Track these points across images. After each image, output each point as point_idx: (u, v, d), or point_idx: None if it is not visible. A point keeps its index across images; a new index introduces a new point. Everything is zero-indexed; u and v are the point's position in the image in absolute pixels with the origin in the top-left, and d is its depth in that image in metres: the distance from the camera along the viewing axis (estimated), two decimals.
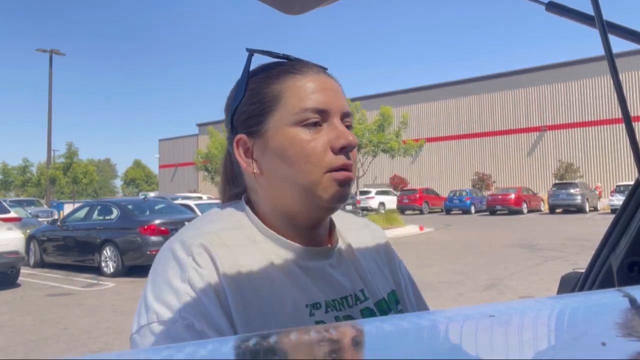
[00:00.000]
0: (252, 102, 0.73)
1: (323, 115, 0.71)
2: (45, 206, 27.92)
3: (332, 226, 0.80)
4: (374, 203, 29.28)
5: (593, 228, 16.07)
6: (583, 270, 1.16)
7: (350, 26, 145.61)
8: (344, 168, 0.71)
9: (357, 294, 0.75)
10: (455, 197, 28.51)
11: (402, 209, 29.00)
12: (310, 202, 0.71)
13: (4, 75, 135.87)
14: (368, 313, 0.74)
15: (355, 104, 24.00)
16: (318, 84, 0.73)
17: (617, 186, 24.66)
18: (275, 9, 1.03)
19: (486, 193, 31.27)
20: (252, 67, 0.76)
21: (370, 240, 0.86)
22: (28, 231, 11.83)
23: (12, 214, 12.81)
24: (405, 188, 34.43)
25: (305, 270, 0.72)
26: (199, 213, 11.59)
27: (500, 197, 26.24)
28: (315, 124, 0.71)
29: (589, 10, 0.87)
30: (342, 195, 0.71)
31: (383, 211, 25.92)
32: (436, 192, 32.22)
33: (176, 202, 13.31)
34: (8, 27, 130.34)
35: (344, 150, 0.71)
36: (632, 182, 1.07)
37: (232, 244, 0.69)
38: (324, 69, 0.77)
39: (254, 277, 0.67)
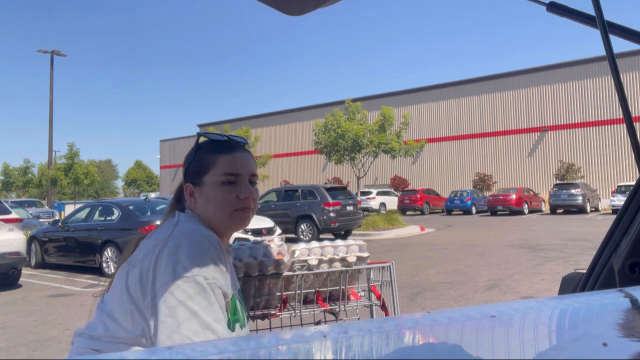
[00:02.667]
0: (197, 165, 1.24)
1: (236, 177, 1.22)
2: (46, 207, 27.95)
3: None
4: (375, 204, 29.28)
5: (594, 228, 16.05)
6: (584, 271, 1.16)
7: (351, 27, 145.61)
8: (244, 208, 1.22)
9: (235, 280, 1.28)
10: (456, 198, 28.50)
11: (403, 209, 29.00)
12: (223, 227, 1.22)
13: (5, 76, 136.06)
14: (240, 292, 1.28)
15: (356, 104, 23.99)
16: (234, 159, 1.23)
17: (618, 186, 24.63)
18: (276, 9, 1.03)
19: (487, 193, 31.26)
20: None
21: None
22: (29, 232, 11.84)
23: (14, 215, 12.86)
24: (406, 188, 34.42)
25: (228, 261, 1.20)
26: None
27: (501, 197, 26.23)
28: (231, 183, 1.21)
29: (590, 11, 0.87)
30: (244, 222, 1.23)
31: (384, 212, 25.91)
32: (437, 193, 32.21)
33: None
34: (9, 27, 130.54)
35: (246, 198, 1.22)
36: (633, 183, 1.07)
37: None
38: (242, 146, 1.28)
39: (227, 267, 1.15)
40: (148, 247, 1.11)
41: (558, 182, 28.33)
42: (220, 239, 1.18)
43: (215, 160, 1.22)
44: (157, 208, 10.69)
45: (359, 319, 2.82)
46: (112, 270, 9.22)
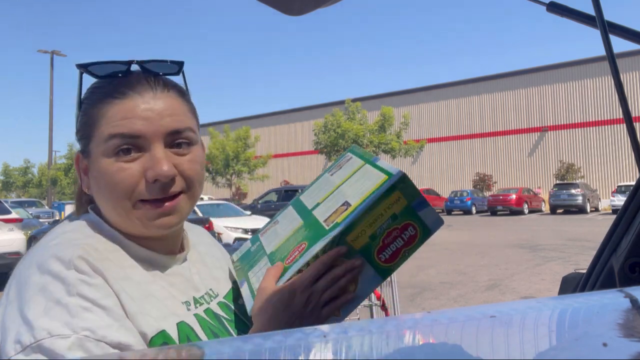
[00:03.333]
0: (81, 123, 0.74)
1: (137, 141, 0.69)
2: (46, 207, 27.97)
3: (184, 235, 0.85)
4: None
5: (594, 228, 16.06)
6: (584, 271, 1.16)
7: (350, 27, 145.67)
8: (158, 199, 0.70)
9: (209, 291, 0.82)
10: (456, 198, 28.50)
11: None
12: (128, 228, 0.72)
13: (5, 76, 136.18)
14: (223, 305, 0.82)
15: (356, 104, 24.01)
16: (132, 107, 0.70)
17: (618, 186, 24.64)
18: (276, 9, 1.03)
19: (487, 193, 31.26)
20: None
21: (211, 246, 0.96)
22: (29, 232, 11.85)
23: (14, 215, 12.86)
24: None
25: (170, 274, 0.77)
26: (199, 214, 11.61)
27: (501, 197, 26.23)
28: (128, 151, 0.69)
29: (590, 11, 0.87)
30: (159, 225, 0.71)
31: None
32: (437, 193, 32.22)
33: None
34: (9, 27, 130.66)
35: (157, 182, 0.69)
36: (633, 183, 1.07)
37: (105, 252, 0.68)
38: (155, 84, 0.73)
39: (136, 283, 0.69)
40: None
41: (558, 182, 28.34)
42: (141, 244, 0.74)
43: (101, 113, 0.71)
44: None
45: (359, 319, 2.82)
46: None
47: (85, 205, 0.79)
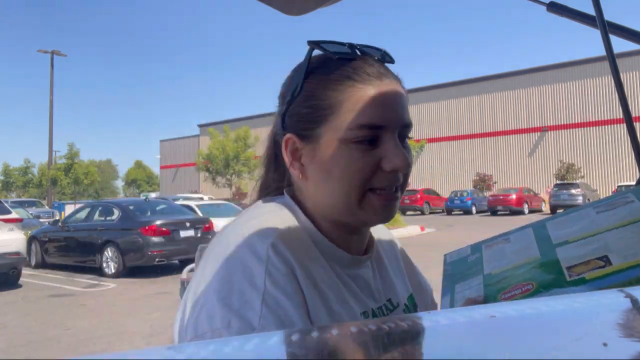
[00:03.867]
0: (307, 106, 0.69)
1: (379, 131, 0.67)
2: (46, 207, 27.97)
3: (371, 235, 0.79)
4: None
5: None
6: None
7: (351, 27, 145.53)
8: (390, 189, 0.69)
9: (387, 303, 0.76)
10: (456, 198, 28.50)
11: (403, 209, 28.98)
12: (350, 217, 0.69)
13: (5, 76, 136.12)
14: None
15: None
16: (378, 95, 0.67)
17: (618, 186, 24.64)
18: (276, 9, 1.03)
19: (487, 193, 31.26)
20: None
21: (391, 246, 0.88)
22: (29, 232, 11.85)
23: (14, 215, 12.86)
24: (406, 188, 34.36)
25: (354, 278, 0.72)
26: (200, 214, 11.60)
27: (501, 197, 26.23)
28: (370, 141, 0.67)
29: (590, 11, 0.87)
30: (384, 216, 0.69)
31: None
32: (437, 193, 32.21)
33: (177, 202, 13.33)
34: (9, 27, 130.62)
35: (393, 171, 0.68)
36: (633, 183, 1.07)
37: (297, 248, 0.66)
38: (386, 69, 0.71)
39: (322, 284, 0.66)
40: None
41: (558, 182, 28.33)
42: (339, 234, 0.71)
43: (342, 98, 0.67)
44: (157, 208, 10.69)
45: None
46: (113, 271, 9.08)
47: (274, 188, 0.77)
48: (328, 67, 0.69)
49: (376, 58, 0.71)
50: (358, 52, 0.70)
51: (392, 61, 0.73)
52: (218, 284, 0.62)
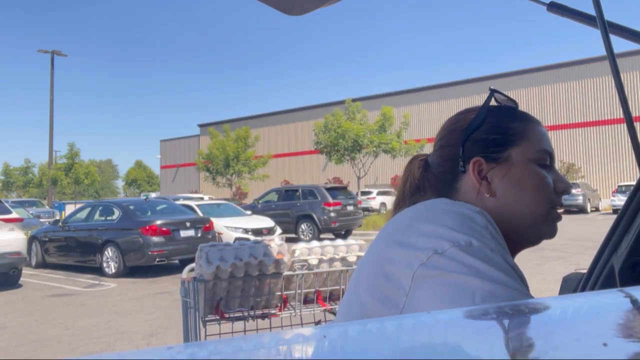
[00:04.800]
0: (495, 132, 0.82)
1: (550, 159, 0.83)
2: (47, 207, 27.98)
3: None
4: (375, 204, 29.27)
5: (595, 228, 16.04)
6: (585, 271, 1.16)
7: (351, 26, 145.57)
8: (560, 204, 0.82)
9: None
10: None
11: None
12: (528, 232, 0.80)
13: (6, 76, 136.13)
14: None
15: (357, 104, 23.99)
16: (546, 133, 0.85)
17: (618, 186, 24.62)
18: (276, 9, 1.03)
19: None
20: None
21: None
22: (30, 232, 11.85)
23: (14, 215, 12.86)
24: None
25: None
26: (200, 213, 11.60)
27: None
28: (545, 166, 0.81)
29: (590, 11, 0.87)
30: (554, 233, 0.82)
31: (384, 211, 25.91)
32: None
33: (177, 202, 13.33)
34: (9, 28, 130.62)
35: (564, 193, 0.82)
36: (633, 182, 1.07)
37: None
38: None
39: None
40: None
41: None
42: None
43: (527, 129, 0.83)
44: (157, 208, 10.70)
45: None
46: (113, 270, 9.10)
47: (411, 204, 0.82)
48: (510, 109, 0.87)
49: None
50: (516, 106, 0.89)
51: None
52: (447, 224, 0.68)
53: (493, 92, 0.86)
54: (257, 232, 11.71)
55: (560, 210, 0.82)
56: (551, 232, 0.81)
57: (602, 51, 0.78)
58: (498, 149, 0.81)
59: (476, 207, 0.73)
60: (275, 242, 2.43)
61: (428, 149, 33.98)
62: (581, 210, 24.81)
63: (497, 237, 0.69)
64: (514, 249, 0.79)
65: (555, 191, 0.80)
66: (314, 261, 2.49)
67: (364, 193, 28.84)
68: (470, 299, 0.60)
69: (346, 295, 0.78)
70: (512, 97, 0.88)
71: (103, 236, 9.72)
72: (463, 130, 0.84)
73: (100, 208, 10.77)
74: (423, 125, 38.98)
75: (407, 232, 0.69)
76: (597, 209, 26.68)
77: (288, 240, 3.05)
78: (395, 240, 0.70)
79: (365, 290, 0.71)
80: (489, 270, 0.62)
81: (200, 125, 52.10)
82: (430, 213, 0.71)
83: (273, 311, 2.49)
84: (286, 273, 2.43)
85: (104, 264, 9.53)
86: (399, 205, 0.87)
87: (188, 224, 9.79)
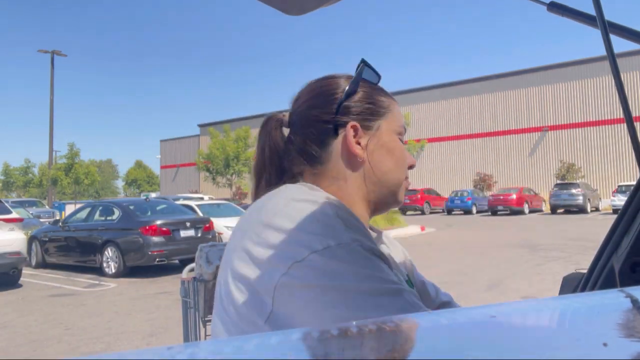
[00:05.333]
0: (369, 102, 0.85)
1: (403, 136, 0.89)
2: (47, 207, 27.98)
3: None
4: None
5: (595, 228, 16.05)
6: (585, 271, 1.16)
7: (351, 26, 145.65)
8: (408, 182, 0.90)
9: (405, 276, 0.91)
10: (456, 198, 28.49)
11: (403, 209, 29.00)
12: (391, 197, 0.86)
13: (6, 76, 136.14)
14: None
15: None
16: (401, 113, 0.91)
17: (618, 186, 24.62)
18: (276, 9, 1.03)
19: (488, 193, 31.25)
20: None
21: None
22: (30, 232, 11.85)
23: (14, 215, 12.87)
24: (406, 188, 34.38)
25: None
26: (200, 213, 11.60)
27: (501, 197, 26.22)
28: (401, 140, 0.88)
29: (590, 11, 0.87)
30: (403, 200, 0.89)
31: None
32: (437, 193, 32.21)
33: (177, 202, 13.33)
34: (9, 28, 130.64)
35: (411, 167, 0.89)
36: (633, 182, 1.07)
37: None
38: None
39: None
40: None
41: (558, 182, 28.32)
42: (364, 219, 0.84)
43: (391, 105, 0.88)
44: (158, 208, 10.70)
45: None
46: (113, 270, 9.15)
47: (273, 183, 0.82)
48: (376, 85, 0.89)
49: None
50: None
51: None
52: (304, 227, 0.66)
53: (364, 63, 0.88)
54: None
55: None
56: (402, 199, 0.88)
57: (602, 51, 0.78)
58: (371, 118, 0.84)
59: (323, 193, 0.73)
60: None
61: (428, 148, 34.21)
62: (581, 210, 24.82)
63: (350, 221, 0.67)
64: (380, 209, 0.86)
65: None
66: None
67: None
68: (343, 305, 0.60)
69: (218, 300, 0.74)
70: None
71: (103, 236, 9.72)
72: (333, 94, 0.85)
73: (100, 208, 10.77)
74: (423, 126, 38.97)
75: (263, 232, 0.67)
76: (597, 209, 26.68)
77: None
78: (253, 240, 0.68)
79: (227, 295, 0.69)
80: (354, 271, 0.62)
81: (200, 125, 52.09)
82: (286, 208, 0.69)
83: None
84: None
85: (104, 264, 9.53)
86: (260, 176, 0.86)
87: (188, 224, 9.79)
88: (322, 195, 0.72)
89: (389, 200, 0.85)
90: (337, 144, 0.82)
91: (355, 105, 0.83)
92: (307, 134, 0.83)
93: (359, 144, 0.82)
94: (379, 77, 0.90)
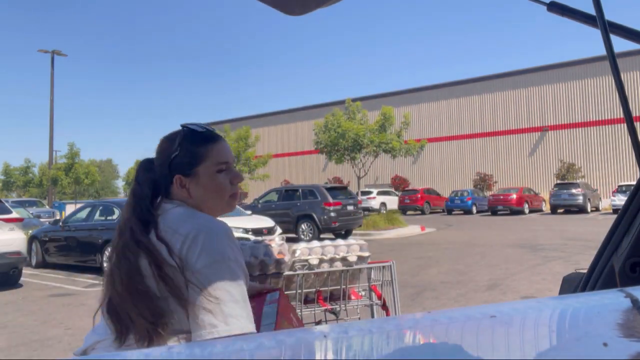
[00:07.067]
0: (187, 156, 1.26)
1: (227, 164, 1.29)
2: (47, 207, 27.97)
3: None
4: (375, 203, 29.28)
5: (595, 228, 16.04)
6: (585, 271, 1.16)
7: (351, 26, 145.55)
8: (235, 192, 1.32)
9: None
10: (456, 198, 28.48)
11: (403, 209, 29.00)
12: (219, 211, 1.30)
13: (6, 76, 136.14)
14: None
15: (357, 104, 23.97)
16: (223, 147, 1.30)
17: (619, 186, 24.62)
18: (276, 9, 1.03)
19: (488, 193, 31.24)
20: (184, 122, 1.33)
21: None
22: (30, 232, 11.85)
23: (14, 215, 12.86)
24: (406, 188, 34.42)
25: None
26: None
27: (501, 197, 26.21)
28: (222, 170, 1.28)
29: (591, 10, 0.87)
30: (234, 205, 1.34)
31: (384, 211, 25.90)
32: (437, 193, 32.21)
33: None
34: (9, 27, 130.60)
35: (236, 181, 1.31)
36: (633, 182, 1.07)
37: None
38: (219, 135, 1.33)
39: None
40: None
41: (559, 181, 28.31)
42: None
43: (207, 150, 1.27)
44: None
45: (359, 318, 2.82)
46: None
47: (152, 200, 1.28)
48: (195, 137, 1.28)
49: (215, 132, 1.33)
50: (210, 130, 1.32)
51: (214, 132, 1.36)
52: (225, 245, 1.18)
53: (184, 127, 1.30)
54: (258, 232, 11.71)
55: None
56: (231, 209, 1.32)
57: (602, 51, 0.78)
58: (190, 168, 1.25)
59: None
60: (276, 242, 2.43)
61: (428, 148, 34.08)
62: (581, 210, 24.82)
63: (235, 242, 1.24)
64: (219, 215, 1.29)
65: (231, 183, 1.28)
66: (314, 261, 2.49)
67: (364, 193, 28.84)
68: None
69: None
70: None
71: (103, 236, 9.72)
72: (167, 154, 1.28)
73: (101, 208, 10.77)
74: (423, 125, 38.96)
75: None
76: (597, 209, 26.68)
77: (288, 240, 3.05)
78: None
79: None
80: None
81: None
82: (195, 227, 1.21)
83: None
84: (287, 273, 2.43)
85: (104, 264, 9.52)
86: (143, 201, 1.26)
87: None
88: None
89: (217, 212, 1.29)
90: (175, 187, 1.27)
91: (178, 162, 1.26)
92: (161, 177, 1.30)
93: (185, 186, 1.26)
94: (201, 130, 1.29)
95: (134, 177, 1.34)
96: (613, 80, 0.85)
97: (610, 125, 32.07)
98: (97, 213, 10.59)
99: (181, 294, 1.08)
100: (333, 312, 2.54)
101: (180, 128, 1.30)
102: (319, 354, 0.32)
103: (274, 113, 48.04)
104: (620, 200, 22.26)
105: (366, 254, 2.63)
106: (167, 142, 1.29)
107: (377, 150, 22.07)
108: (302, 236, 14.69)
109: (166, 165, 1.27)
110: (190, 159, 1.25)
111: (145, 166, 1.33)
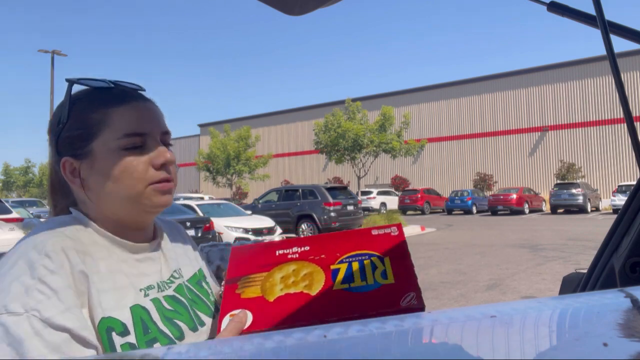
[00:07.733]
0: (77, 127, 0.81)
1: (142, 137, 0.82)
2: (47, 207, 27.93)
3: (156, 226, 0.94)
4: (375, 203, 29.28)
5: (595, 228, 16.04)
6: (585, 271, 1.16)
7: (351, 26, 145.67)
8: (165, 180, 0.84)
9: (174, 274, 0.89)
10: (456, 198, 28.48)
11: (403, 209, 29.00)
12: (136, 209, 0.83)
13: (6, 76, 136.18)
14: (183, 288, 0.89)
15: (357, 104, 23.99)
16: (135, 111, 0.83)
17: (619, 186, 24.61)
18: (276, 9, 1.03)
19: (488, 193, 31.25)
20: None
21: (177, 230, 1.04)
22: (30, 231, 11.84)
23: (14, 215, 12.85)
24: (406, 188, 34.44)
25: (141, 260, 0.85)
26: (200, 213, 11.61)
27: (501, 197, 26.21)
28: (137, 147, 0.81)
29: (591, 10, 0.87)
30: (165, 201, 0.85)
31: (384, 211, 25.92)
32: (438, 193, 32.22)
33: (178, 202, 13.33)
34: (9, 27, 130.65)
35: (164, 166, 0.84)
36: (633, 182, 1.07)
37: (79, 243, 0.77)
38: (140, 94, 0.87)
39: (105, 274, 0.77)
40: None
41: (559, 181, 28.32)
42: (126, 232, 0.84)
43: (106, 116, 0.81)
44: None
45: None
46: None
47: (61, 208, 0.88)
48: (90, 95, 0.84)
49: (130, 88, 0.87)
50: (114, 85, 0.85)
51: (143, 89, 0.89)
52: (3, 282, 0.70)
53: (71, 82, 0.84)
54: (258, 231, 11.72)
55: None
56: (159, 203, 0.84)
57: (602, 51, 0.78)
58: (82, 145, 0.81)
59: (42, 234, 0.76)
60: None
61: (428, 148, 34.29)
62: (581, 210, 24.82)
63: (50, 268, 0.71)
64: (135, 220, 0.84)
65: (153, 167, 0.82)
66: None
67: (364, 193, 28.86)
68: None
69: None
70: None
71: None
72: (54, 128, 0.85)
73: None
74: (423, 125, 38.97)
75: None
76: (597, 209, 26.68)
77: None
78: None
79: None
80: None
81: (201, 125, 52.11)
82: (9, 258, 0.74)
83: None
84: None
85: None
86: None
87: (188, 224, 9.79)
88: (40, 236, 0.76)
89: (131, 211, 0.83)
90: (67, 180, 0.84)
91: (66, 137, 0.82)
92: (56, 170, 0.87)
93: (77, 175, 0.82)
94: (98, 86, 0.84)
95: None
96: (613, 80, 0.85)
97: (610, 125, 32.08)
98: None
99: None
100: None
101: (67, 83, 0.84)
102: (319, 354, 0.32)
103: (274, 113, 48.05)
104: (620, 200, 22.27)
105: None
106: (57, 110, 0.86)
107: (377, 150, 22.09)
108: (302, 236, 14.69)
109: (54, 146, 0.85)
110: (81, 130, 0.81)
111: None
